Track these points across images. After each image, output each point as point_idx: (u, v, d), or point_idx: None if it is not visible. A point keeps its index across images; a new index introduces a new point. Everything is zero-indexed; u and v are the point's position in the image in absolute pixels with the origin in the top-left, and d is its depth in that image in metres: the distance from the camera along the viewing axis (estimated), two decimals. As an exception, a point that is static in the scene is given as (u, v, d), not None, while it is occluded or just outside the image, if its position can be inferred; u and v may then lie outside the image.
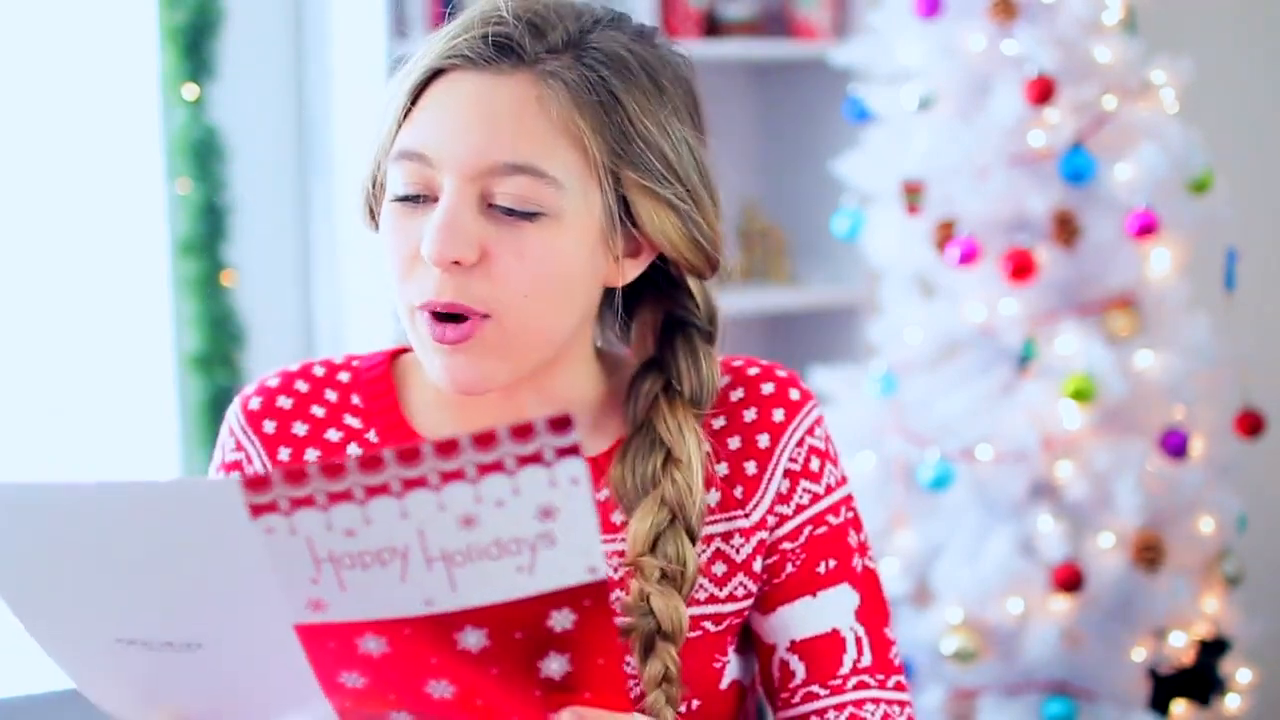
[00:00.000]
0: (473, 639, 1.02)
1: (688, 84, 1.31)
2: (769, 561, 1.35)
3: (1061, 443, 2.58)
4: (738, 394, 1.37)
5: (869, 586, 1.38)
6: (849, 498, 1.39)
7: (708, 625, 1.34)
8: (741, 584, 1.35)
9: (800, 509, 1.35)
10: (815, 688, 1.35)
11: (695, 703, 1.34)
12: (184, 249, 2.96)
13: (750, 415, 1.36)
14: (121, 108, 2.96)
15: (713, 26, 3.25)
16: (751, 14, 3.27)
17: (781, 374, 1.38)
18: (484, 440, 0.96)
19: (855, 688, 1.35)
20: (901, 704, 1.36)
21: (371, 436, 1.35)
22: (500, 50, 1.24)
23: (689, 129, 1.29)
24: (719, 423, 1.35)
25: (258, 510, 0.99)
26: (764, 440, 1.35)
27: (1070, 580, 2.54)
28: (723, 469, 1.35)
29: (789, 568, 1.35)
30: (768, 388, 1.37)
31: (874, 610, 1.37)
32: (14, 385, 2.91)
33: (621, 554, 1.30)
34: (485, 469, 0.96)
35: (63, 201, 2.93)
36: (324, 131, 3.01)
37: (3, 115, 2.88)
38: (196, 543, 1.02)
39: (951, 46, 2.65)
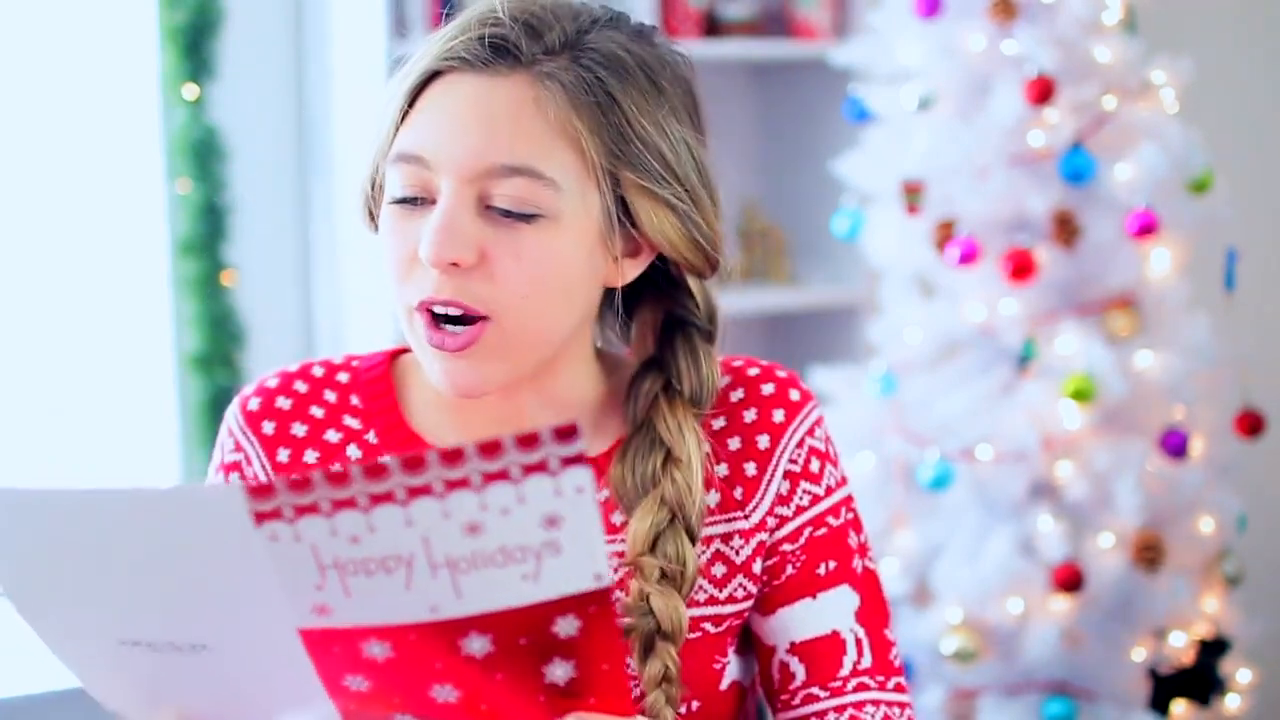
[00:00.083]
0: (477, 645, 1.02)
1: (686, 83, 1.30)
2: (769, 563, 1.35)
3: (1061, 443, 2.58)
4: (738, 394, 1.37)
5: (869, 588, 1.38)
6: (849, 499, 1.39)
7: (707, 626, 1.34)
8: (741, 585, 1.35)
9: (800, 510, 1.35)
10: (815, 689, 1.35)
11: (695, 704, 1.34)
12: (184, 249, 2.96)
13: (750, 416, 1.36)
14: (121, 108, 2.96)
15: (713, 26, 3.25)
16: (751, 14, 3.27)
17: (781, 374, 1.38)
18: (489, 449, 0.96)
19: (855, 689, 1.35)
20: (902, 705, 1.36)
21: (371, 437, 1.35)
22: (497, 52, 1.24)
23: (688, 129, 1.28)
24: (719, 423, 1.35)
25: (262, 518, 0.99)
26: (764, 441, 1.35)
27: (1070, 580, 2.54)
28: (722, 470, 1.34)
29: (789, 569, 1.35)
30: (768, 388, 1.37)
31: (874, 611, 1.37)
32: (14, 385, 2.91)
33: (621, 554, 1.30)
34: (490, 477, 0.96)
35: (63, 202, 2.93)
36: (324, 131, 3.01)
37: (3, 115, 2.88)
38: (200, 548, 1.02)
39: (951, 46, 2.65)
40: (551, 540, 0.98)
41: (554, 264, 1.24)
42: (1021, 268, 2.55)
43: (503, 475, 0.96)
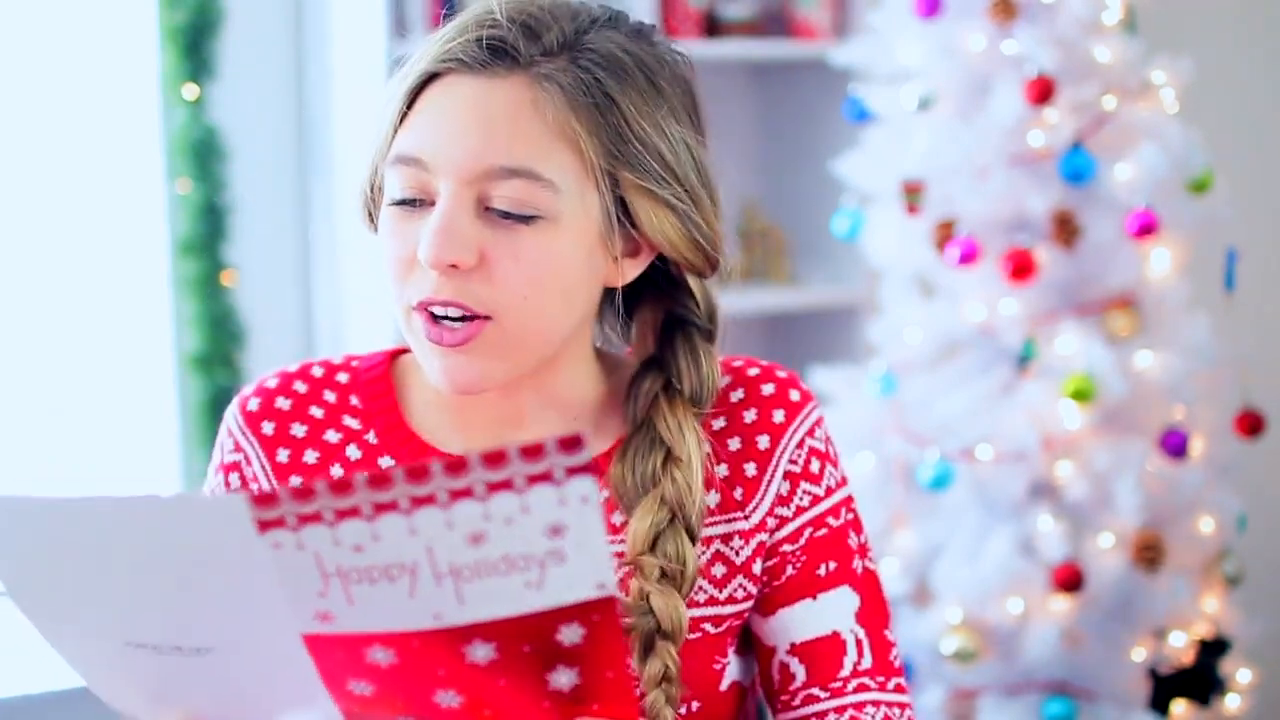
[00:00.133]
0: (481, 652, 1.02)
1: (686, 83, 1.30)
2: (769, 564, 1.35)
3: (1061, 443, 2.58)
4: (738, 395, 1.36)
5: (869, 588, 1.38)
6: (849, 499, 1.39)
7: (707, 627, 1.34)
8: (741, 586, 1.35)
9: (800, 511, 1.35)
10: (815, 690, 1.35)
11: (695, 704, 1.34)
12: (184, 249, 2.96)
13: (750, 416, 1.36)
14: (121, 108, 2.96)
15: (713, 26, 3.25)
16: (751, 14, 3.27)
17: (781, 375, 1.38)
18: (493, 459, 0.96)
19: (856, 690, 1.35)
20: (902, 706, 1.36)
21: (371, 438, 1.35)
22: (495, 53, 1.24)
23: (687, 129, 1.28)
24: (719, 423, 1.35)
25: (265, 526, 0.99)
26: (764, 442, 1.35)
27: (1070, 580, 2.54)
28: (723, 470, 1.34)
29: (789, 570, 1.35)
30: (768, 389, 1.37)
31: (874, 612, 1.37)
32: (14, 385, 2.91)
33: (621, 554, 1.30)
34: (494, 487, 0.96)
35: (63, 202, 2.93)
36: (324, 131, 3.01)
37: (3, 115, 2.88)
38: (203, 555, 1.02)
39: (951, 46, 2.65)
40: (556, 549, 0.98)
41: (553, 265, 1.23)
42: (1021, 268, 2.55)
43: (507, 485, 0.96)
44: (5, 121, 2.88)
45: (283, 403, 1.36)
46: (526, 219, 1.23)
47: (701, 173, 1.29)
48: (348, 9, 2.94)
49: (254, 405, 1.36)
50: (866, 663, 1.35)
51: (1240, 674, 2.69)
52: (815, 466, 1.36)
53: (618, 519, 1.31)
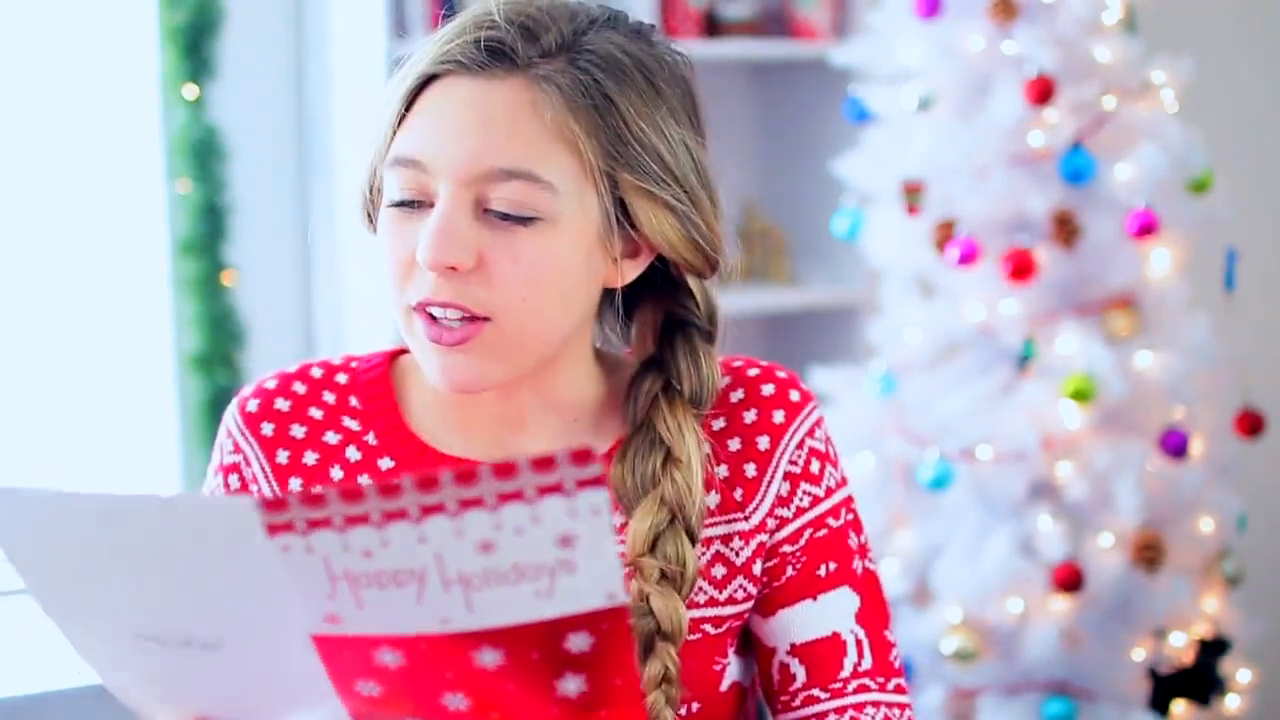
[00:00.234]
0: (489, 657, 1.02)
1: (685, 84, 1.30)
2: (769, 564, 1.35)
3: (1061, 443, 2.58)
4: (738, 395, 1.36)
5: (869, 589, 1.37)
6: (849, 499, 1.39)
7: (707, 628, 1.34)
8: (741, 587, 1.35)
9: (800, 512, 1.35)
10: (816, 691, 1.35)
11: (695, 705, 1.34)
12: (184, 249, 2.96)
13: (750, 417, 1.36)
14: (121, 108, 2.96)
15: (712, 26, 3.25)
16: (751, 14, 3.27)
17: (781, 375, 1.38)
18: (504, 470, 0.95)
19: (856, 691, 1.35)
20: (902, 706, 1.36)
21: (370, 439, 1.35)
22: (493, 55, 1.23)
23: (687, 129, 1.28)
24: (719, 424, 1.35)
25: (274, 529, 0.99)
26: (764, 442, 1.35)
27: (1070, 580, 2.54)
28: (722, 471, 1.34)
29: (789, 571, 1.35)
30: (768, 389, 1.36)
31: (874, 612, 1.37)
32: (14, 385, 2.91)
33: (621, 555, 1.30)
34: (505, 497, 0.96)
35: (63, 202, 2.93)
36: (324, 131, 3.01)
37: (3, 115, 2.88)
38: (212, 554, 1.02)
39: (951, 46, 2.65)
40: (566, 559, 0.97)
41: (552, 267, 1.23)
42: (1021, 268, 2.55)
43: (517, 495, 0.96)
44: (5, 121, 2.88)
45: (282, 404, 1.36)
46: (525, 220, 1.23)
47: (701, 173, 1.28)
48: (348, 9, 2.94)
49: (253, 406, 1.36)
50: (867, 663, 1.35)
51: (1240, 674, 2.69)
52: (815, 467, 1.36)
53: (618, 520, 1.31)
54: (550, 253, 1.23)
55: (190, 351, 2.97)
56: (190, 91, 2.93)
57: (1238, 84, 3.53)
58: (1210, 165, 2.64)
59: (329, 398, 1.36)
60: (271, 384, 1.37)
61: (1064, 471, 2.58)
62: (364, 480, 1.33)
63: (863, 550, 1.38)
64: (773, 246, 3.37)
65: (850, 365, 2.91)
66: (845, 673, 1.35)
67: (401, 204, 1.25)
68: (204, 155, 2.94)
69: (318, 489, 1.01)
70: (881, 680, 1.36)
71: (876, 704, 1.35)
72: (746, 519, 1.34)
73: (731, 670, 1.36)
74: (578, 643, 1.00)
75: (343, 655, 1.05)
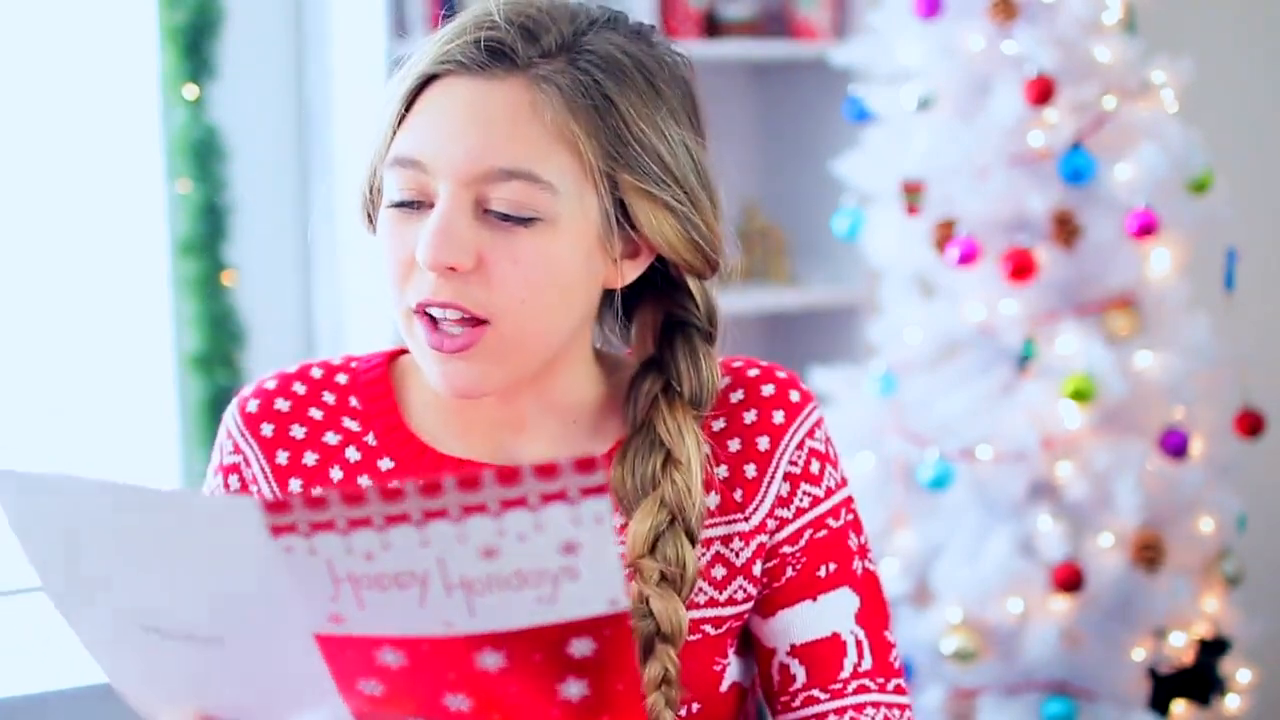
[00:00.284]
0: (491, 660, 1.02)
1: (685, 84, 1.30)
2: (769, 565, 1.35)
3: (1061, 443, 2.58)
4: (737, 395, 1.36)
5: (869, 589, 1.37)
6: (849, 500, 1.38)
7: (707, 629, 1.34)
8: (741, 587, 1.35)
9: (800, 512, 1.35)
10: (815, 691, 1.35)
11: (695, 706, 1.34)
12: (184, 249, 2.96)
13: (750, 417, 1.36)
14: (121, 108, 2.96)
15: (713, 26, 3.25)
16: (751, 14, 3.27)
17: (781, 375, 1.38)
18: (507, 476, 0.95)
19: (856, 691, 1.35)
20: (901, 707, 1.36)
21: (370, 439, 1.35)
22: (493, 55, 1.23)
23: (687, 130, 1.28)
24: (719, 424, 1.35)
25: (277, 531, 0.99)
26: (764, 443, 1.35)
27: (1070, 580, 2.54)
28: (722, 471, 1.34)
29: (789, 571, 1.35)
30: (768, 389, 1.36)
31: (874, 613, 1.37)
32: (14, 385, 2.91)
33: (621, 556, 1.30)
34: (508, 504, 0.96)
35: (63, 201, 2.93)
36: (324, 131, 3.01)
37: (3, 115, 2.88)
38: (215, 551, 1.03)
39: (951, 46, 2.65)
40: (569, 566, 0.97)
41: (551, 267, 1.23)
42: (1021, 268, 2.55)
43: (520, 502, 0.96)
44: (6, 121, 2.88)
45: (282, 404, 1.36)
46: (525, 221, 1.22)
47: (701, 174, 1.28)
48: (348, 9, 2.94)
49: (253, 407, 1.36)
50: (866, 664, 1.35)
51: (1240, 674, 2.69)
52: (815, 468, 1.36)
53: (618, 521, 1.31)
54: (550, 253, 1.23)
55: (190, 351, 2.97)
56: (190, 91, 2.93)
57: (1238, 84, 3.53)
58: (1210, 165, 2.64)
59: (329, 398, 1.36)
60: (271, 384, 1.37)
61: (1064, 471, 2.58)
62: (364, 481, 1.33)
63: (862, 551, 1.38)
64: (773, 246, 3.37)
65: (850, 365, 2.91)
66: (845, 673, 1.35)
67: (401, 204, 1.25)
68: (204, 155, 2.94)
69: (319, 491, 1.01)
70: (881, 681, 1.36)
71: (876, 704, 1.35)
72: (746, 520, 1.34)
73: (731, 671, 1.36)
74: (580, 648, 1.00)
75: (345, 655, 1.05)
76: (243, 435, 1.35)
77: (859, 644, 1.35)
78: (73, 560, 1.09)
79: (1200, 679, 2.62)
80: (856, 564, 1.37)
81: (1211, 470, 2.68)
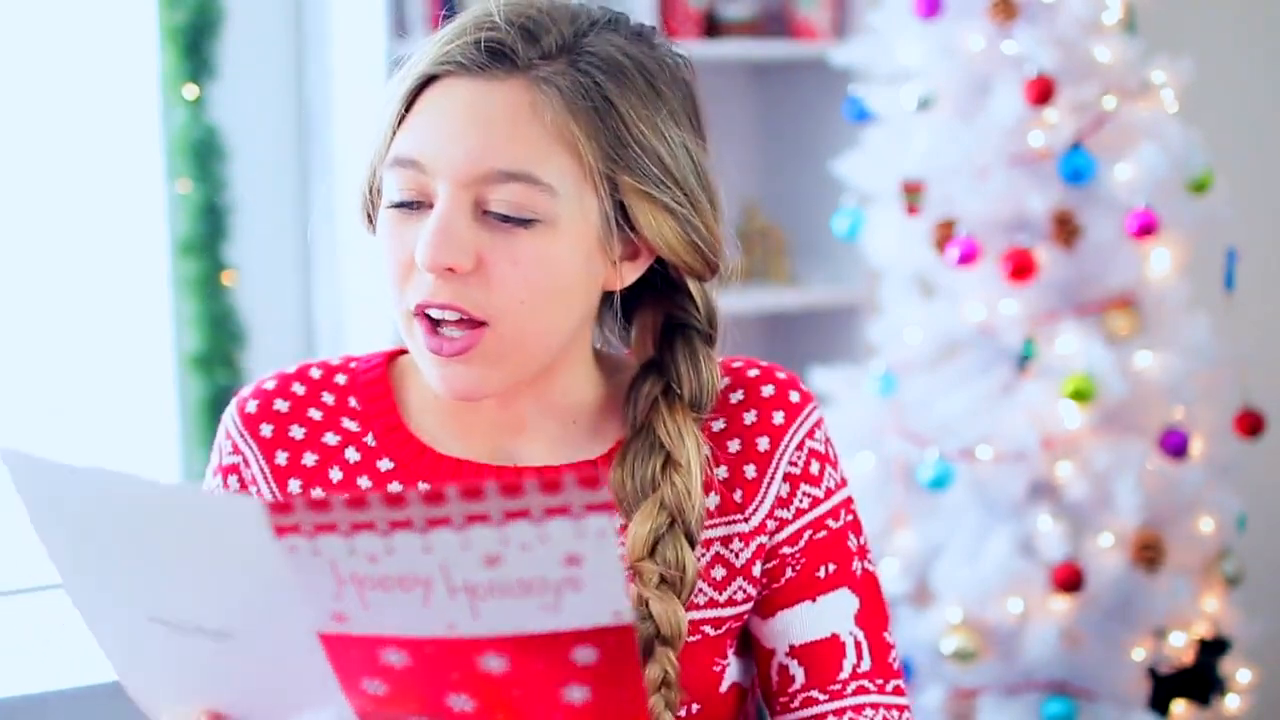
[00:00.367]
0: (494, 663, 1.02)
1: (686, 86, 1.30)
2: (768, 566, 1.35)
3: (1061, 443, 2.58)
4: (737, 396, 1.36)
5: (868, 590, 1.37)
6: (849, 501, 1.38)
7: (707, 629, 1.34)
8: (741, 588, 1.35)
9: (800, 513, 1.35)
10: (815, 693, 1.35)
11: (695, 706, 1.34)
12: (184, 249, 2.96)
13: (750, 418, 1.36)
14: (121, 108, 2.95)
15: (713, 26, 3.25)
16: (751, 14, 3.27)
17: (781, 376, 1.38)
18: (510, 489, 0.95)
19: (855, 693, 1.35)
20: (900, 708, 1.36)
21: (369, 440, 1.34)
22: (493, 56, 1.23)
23: (687, 132, 1.28)
24: (718, 425, 1.35)
25: (281, 531, 1.00)
26: (764, 443, 1.35)
27: (1070, 580, 2.54)
28: (722, 472, 1.34)
29: (788, 572, 1.35)
30: (767, 390, 1.36)
31: (873, 614, 1.37)
32: (14, 385, 2.91)
33: (621, 558, 1.30)
34: (511, 515, 0.96)
35: (63, 201, 2.93)
36: (324, 131, 3.01)
37: (3, 115, 2.88)
38: (219, 548, 1.03)
39: (951, 46, 2.65)
40: (572, 577, 0.97)
41: (551, 269, 1.23)
42: (1021, 268, 2.55)
43: (524, 514, 0.96)
44: (5, 121, 2.88)
45: (281, 405, 1.36)
46: (524, 223, 1.22)
47: (701, 176, 1.28)
48: (348, 9, 2.94)
49: (252, 407, 1.36)
50: (865, 665, 1.35)
51: (1240, 674, 2.69)
52: (815, 468, 1.36)
53: (617, 522, 1.31)
54: (549, 255, 1.23)
55: (190, 351, 2.97)
56: (190, 91, 2.93)
57: (1238, 84, 3.53)
58: (1210, 165, 2.64)
59: (328, 399, 1.36)
60: (270, 385, 1.37)
61: (1064, 471, 2.58)
62: (364, 482, 1.33)
63: (862, 552, 1.38)
64: (773, 246, 3.37)
65: (850, 365, 2.91)
66: (844, 674, 1.35)
67: (401, 205, 1.25)
68: (204, 155, 2.94)
69: (323, 494, 1.02)
70: (880, 682, 1.36)
71: (875, 705, 1.35)
72: (746, 520, 1.34)
73: (731, 671, 1.36)
74: (584, 655, 1.00)
75: (349, 654, 1.05)
76: (242, 436, 1.35)
77: (858, 645, 1.35)
78: (86, 549, 1.10)
79: (1200, 679, 2.62)
80: (856, 565, 1.37)
81: (1211, 470, 2.68)
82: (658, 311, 1.35)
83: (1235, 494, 2.72)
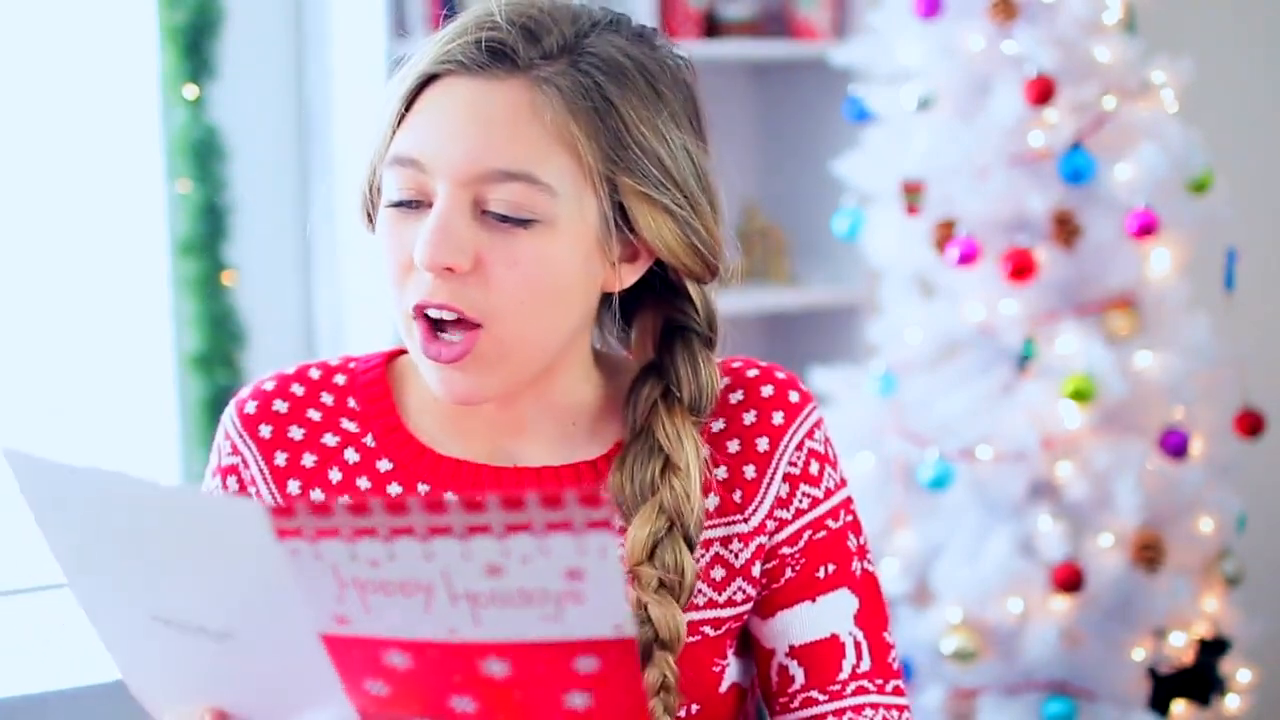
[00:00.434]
0: (497, 668, 1.02)
1: (687, 88, 1.30)
2: (768, 566, 1.35)
3: (1061, 443, 2.58)
4: (737, 396, 1.36)
5: (868, 590, 1.37)
6: (848, 501, 1.38)
7: (707, 630, 1.34)
8: (740, 589, 1.35)
9: (800, 514, 1.35)
10: (814, 693, 1.35)
11: (695, 707, 1.34)
12: (184, 249, 2.96)
13: (749, 418, 1.35)
14: (121, 108, 2.95)
15: (713, 27, 3.25)
16: (751, 14, 3.27)
17: (781, 376, 1.38)
18: (511, 503, 0.95)
19: (854, 693, 1.35)
20: (900, 708, 1.36)
21: (369, 441, 1.34)
22: (494, 56, 1.23)
23: (688, 134, 1.28)
24: (718, 425, 1.35)
25: (282, 535, 1.00)
26: (763, 444, 1.35)
27: (1070, 580, 2.54)
28: (721, 473, 1.34)
29: (788, 573, 1.35)
30: (767, 390, 1.36)
31: (873, 614, 1.37)
32: (14, 385, 2.91)
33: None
34: (512, 528, 0.96)
35: (63, 201, 2.93)
36: (324, 131, 3.01)
37: (3, 115, 2.88)
38: (221, 549, 1.03)
39: (951, 46, 2.65)
40: (573, 590, 0.97)
41: (550, 270, 1.23)
42: (1021, 268, 2.55)
43: (525, 527, 0.96)
44: (5, 121, 2.88)
45: (280, 405, 1.35)
46: (523, 223, 1.22)
47: (701, 178, 1.28)
48: (348, 9, 2.94)
49: (251, 408, 1.36)
50: (865, 665, 1.35)
51: (1240, 674, 2.69)
52: (814, 469, 1.36)
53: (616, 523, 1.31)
54: (548, 256, 1.23)
55: (190, 351, 2.97)
56: (190, 91, 2.93)
57: (1238, 84, 3.53)
58: (1210, 165, 2.64)
59: (327, 399, 1.36)
60: (269, 385, 1.37)
61: (1064, 471, 2.58)
62: (363, 483, 1.33)
63: (861, 552, 1.38)
64: (773, 246, 3.37)
65: (850, 365, 2.91)
66: (844, 674, 1.35)
67: (400, 204, 1.25)
68: (204, 155, 2.94)
69: (324, 499, 1.02)
70: (880, 682, 1.36)
71: (875, 706, 1.35)
72: (745, 521, 1.34)
73: (731, 672, 1.36)
74: (585, 665, 1.00)
75: (351, 655, 1.05)
76: (240, 436, 1.35)
77: (858, 645, 1.35)
78: (90, 548, 1.10)
79: (1200, 679, 2.62)
80: (855, 565, 1.37)
81: (1211, 470, 2.68)
82: (657, 314, 1.35)
83: (1235, 494, 2.72)
